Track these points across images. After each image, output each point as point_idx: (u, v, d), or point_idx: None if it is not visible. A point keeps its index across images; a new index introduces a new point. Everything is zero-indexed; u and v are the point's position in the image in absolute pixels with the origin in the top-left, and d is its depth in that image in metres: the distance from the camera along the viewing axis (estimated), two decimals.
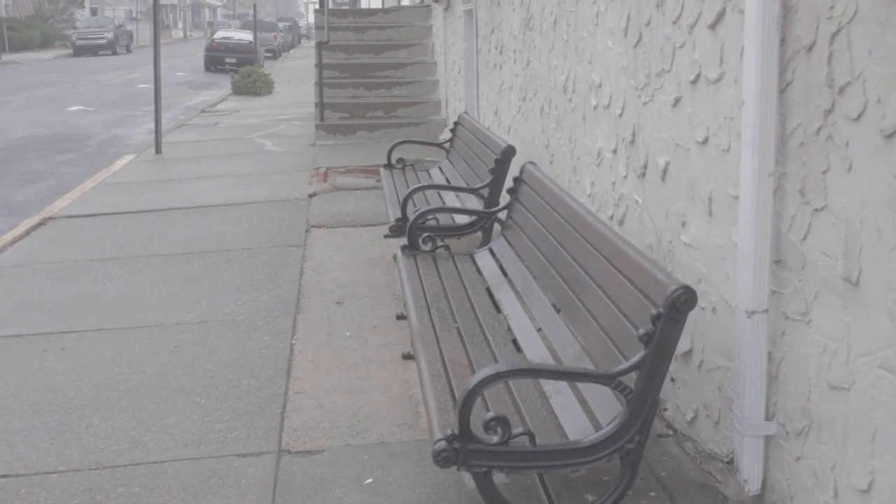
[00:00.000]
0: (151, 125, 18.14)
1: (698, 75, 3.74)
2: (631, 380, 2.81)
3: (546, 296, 4.07)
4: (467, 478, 3.80)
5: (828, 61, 2.76)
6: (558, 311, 3.91)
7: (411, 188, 5.83)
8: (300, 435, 4.26)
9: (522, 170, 5.05)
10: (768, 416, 3.19)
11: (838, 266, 2.74)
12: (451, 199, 6.59)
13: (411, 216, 5.05)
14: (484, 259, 4.96)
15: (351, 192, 9.83)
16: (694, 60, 3.78)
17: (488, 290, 4.55)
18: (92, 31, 47.96)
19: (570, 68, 5.85)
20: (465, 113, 8.13)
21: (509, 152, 5.77)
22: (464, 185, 6.70)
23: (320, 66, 13.46)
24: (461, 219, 5.85)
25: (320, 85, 13.36)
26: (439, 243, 5.06)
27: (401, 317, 5.79)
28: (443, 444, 2.73)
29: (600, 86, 5.15)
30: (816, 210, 2.86)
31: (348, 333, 5.58)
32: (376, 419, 4.41)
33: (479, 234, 5.79)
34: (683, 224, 3.97)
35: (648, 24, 4.30)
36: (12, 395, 4.80)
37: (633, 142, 4.60)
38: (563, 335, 3.66)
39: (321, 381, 4.87)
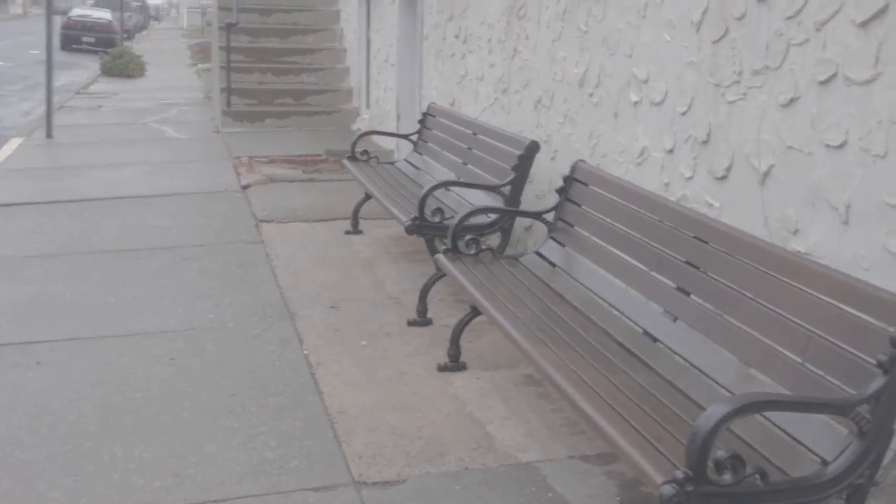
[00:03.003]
0: (23, 105, 17.06)
1: (833, 75, 3.48)
2: (865, 409, 2.53)
3: (651, 305, 3.76)
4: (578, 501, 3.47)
5: None
6: (675, 319, 3.60)
7: (430, 186, 5.39)
8: (369, 463, 3.80)
9: (575, 168, 4.71)
10: None
11: None
12: (443, 195, 6.16)
13: (456, 218, 4.62)
14: (536, 263, 4.61)
15: (287, 184, 9.26)
16: (824, 59, 3.53)
17: (562, 296, 4.20)
18: None
19: (590, 61, 5.54)
20: (435, 104, 7.71)
21: (533, 149, 5.42)
22: (452, 178, 6.32)
23: (228, 49, 12.71)
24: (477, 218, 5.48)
25: (228, 69, 12.63)
26: (482, 246, 4.67)
27: (413, 323, 5.37)
28: (672, 487, 2.38)
29: (647, 81, 4.86)
30: None
31: (364, 342, 5.12)
32: (445, 442, 3.99)
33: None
34: (795, 231, 3.72)
35: (742, 18, 4.03)
36: (1, 420, 4.14)
37: (706, 142, 4.33)
38: (696, 348, 3.36)
39: (359, 398, 4.41)
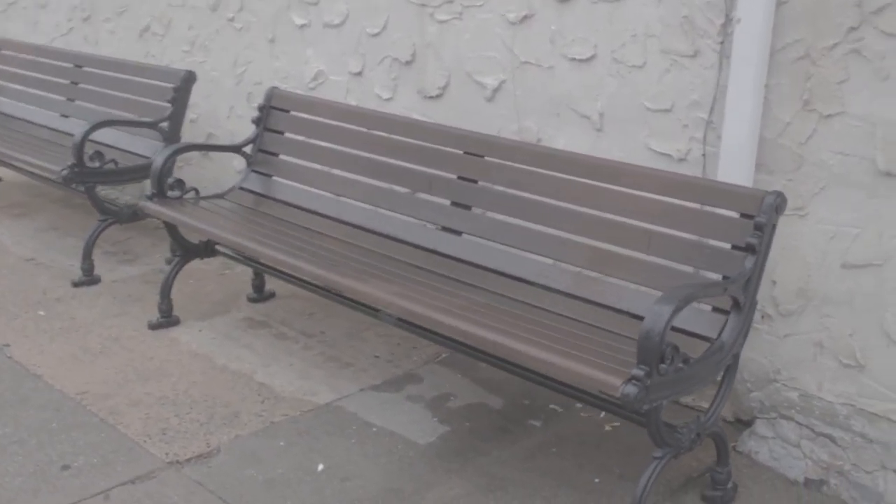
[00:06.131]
0: None
1: None
2: (739, 287, 2.88)
3: (425, 225, 3.82)
4: (415, 434, 3.48)
5: None
6: (459, 234, 3.69)
7: (89, 126, 4.69)
8: (165, 440, 3.42)
9: (271, 95, 4.48)
10: None
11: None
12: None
13: (163, 157, 4.13)
14: (246, 198, 4.37)
15: None
16: None
17: (308, 228, 4.07)
18: None
19: None
20: (9, 40, 6.68)
21: (190, 80, 4.99)
22: (57, 117, 5.70)
23: None
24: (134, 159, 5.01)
25: None
26: (187, 188, 4.29)
27: (80, 283, 4.85)
28: (634, 387, 2.53)
29: (317, 3, 4.77)
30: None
31: (41, 312, 4.47)
32: (226, 401, 3.71)
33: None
34: (538, 140, 3.99)
35: None
36: None
37: (411, 62, 4.40)
38: (490, 255, 3.52)
39: (89, 374, 3.89)
